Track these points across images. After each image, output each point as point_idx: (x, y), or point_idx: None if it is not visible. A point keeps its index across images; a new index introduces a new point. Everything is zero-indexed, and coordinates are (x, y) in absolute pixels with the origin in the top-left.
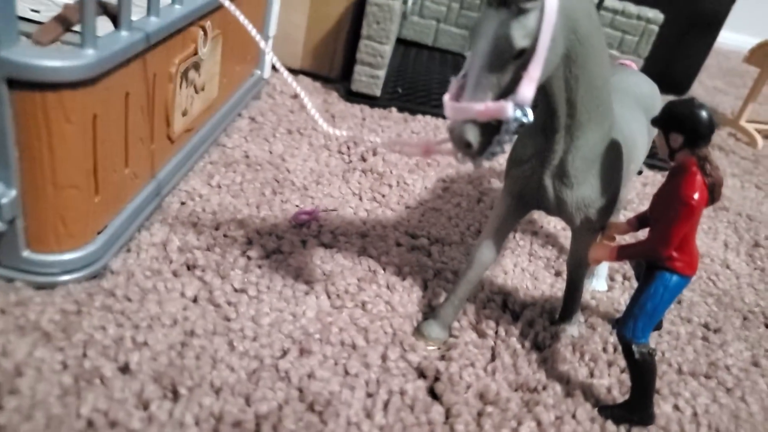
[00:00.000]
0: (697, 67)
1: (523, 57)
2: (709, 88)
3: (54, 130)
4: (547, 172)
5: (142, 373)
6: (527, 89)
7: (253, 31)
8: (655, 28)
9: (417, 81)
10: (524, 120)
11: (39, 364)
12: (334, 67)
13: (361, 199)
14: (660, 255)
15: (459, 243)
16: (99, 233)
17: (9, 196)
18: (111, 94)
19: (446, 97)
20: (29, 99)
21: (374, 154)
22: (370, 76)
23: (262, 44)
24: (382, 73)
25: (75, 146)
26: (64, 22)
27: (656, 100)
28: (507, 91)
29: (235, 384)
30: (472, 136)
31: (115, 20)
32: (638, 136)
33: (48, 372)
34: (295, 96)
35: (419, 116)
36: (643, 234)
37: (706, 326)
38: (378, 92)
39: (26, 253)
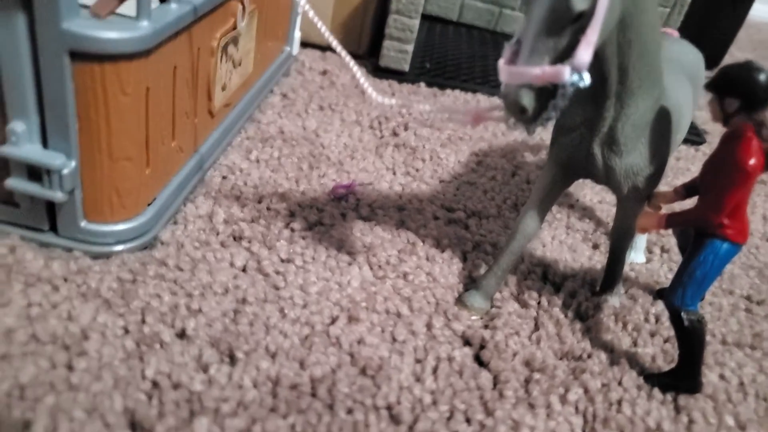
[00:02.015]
0: (729, 39)
1: (581, 20)
2: (741, 61)
3: (111, 101)
4: (596, 140)
5: (198, 338)
6: (585, 53)
7: (306, 4)
8: (688, 0)
9: (445, 56)
10: (581, 84)
11: (103, 329)
12: (362, 43)
13: (395, 173)
14: (711, 222)
15: (496, 216)
16: (149, 205)
17: (69, 167)
18: (161, 67)
19: (501, 62)
20: (89, 71)
21: (406, 129)
22: (398, 51)
23: (329, 37)
24: (410, 48)
25: (130, 118)
26: None
27: (701, 68)
28: (563, 56)
29: (290, 349)
30: (528, 100)
31: None
32: (684, 105)
33: (111, 336)
34: (325, 72)
35: (448, 90)
36: (688, 204)
37: (748, 298)
38: (406, 67)
39: (84, 224)
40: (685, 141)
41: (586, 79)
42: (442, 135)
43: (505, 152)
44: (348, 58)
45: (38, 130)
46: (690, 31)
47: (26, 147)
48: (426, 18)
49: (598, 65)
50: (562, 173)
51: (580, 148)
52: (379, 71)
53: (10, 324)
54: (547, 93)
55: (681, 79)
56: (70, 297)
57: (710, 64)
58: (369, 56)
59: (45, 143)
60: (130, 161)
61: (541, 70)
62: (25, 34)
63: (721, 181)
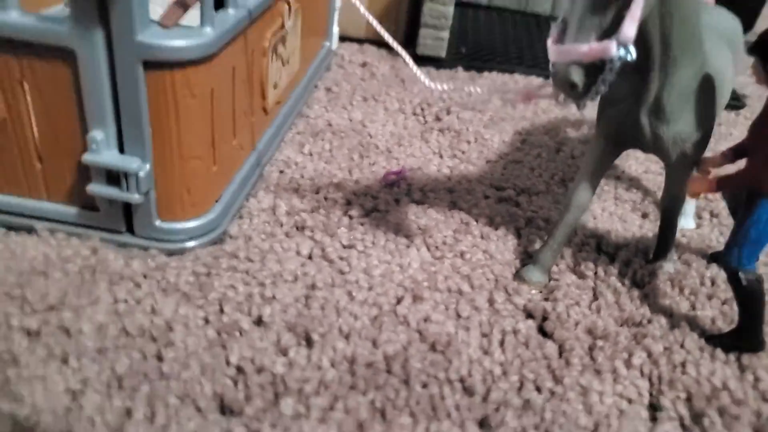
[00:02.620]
0: (761, 2)
1: None
2: None
3: (180, 105)
4: (643, 110)
5: (275, 324)
6: (630, 28)
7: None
8: None
9: (479, 40)
10: (628, 58)
11: (185, 321)
12: (398, 33)
13: (442, 156)
14: (762, 182)
15: (545, 192)
16: (216, 201)
17: (145, 169)
18: (223, 69)
19: (549, 42)
20: (160, 78)
21: (448, 113)
22: (435, 38)
23: (369, 18)
24: (446, 35)
25: (198, 119)
26: (183, 4)
27: (739, 34)
28: (609, 32)
29: (361, 329)
30: (577, 76)
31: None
32: (726, 71)
33: (194, 327)
34: (364, 64)
35: (486, 73)
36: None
37: None
38: (443, 54)
39: (158, 222)
40: (726, 106)
41: (633, 53)
42: (485, 117)
43: (548, 129)
44: (400, 49)
45: (115, 136)
46: None
47: (105, 153)
48: (458, 4)
49: (641, 37)
50: (611, 145)
51: (627, 119)
52: (417, 59)
53: (102, 320)
54: (595, 68)
55: (720, 45)
56: (151, 292)
57: (745, 28)
58: (406, 46)
59: (122, 148)
60: (199, 160)
61: (588, 47)
62: (103, 47)
63: None
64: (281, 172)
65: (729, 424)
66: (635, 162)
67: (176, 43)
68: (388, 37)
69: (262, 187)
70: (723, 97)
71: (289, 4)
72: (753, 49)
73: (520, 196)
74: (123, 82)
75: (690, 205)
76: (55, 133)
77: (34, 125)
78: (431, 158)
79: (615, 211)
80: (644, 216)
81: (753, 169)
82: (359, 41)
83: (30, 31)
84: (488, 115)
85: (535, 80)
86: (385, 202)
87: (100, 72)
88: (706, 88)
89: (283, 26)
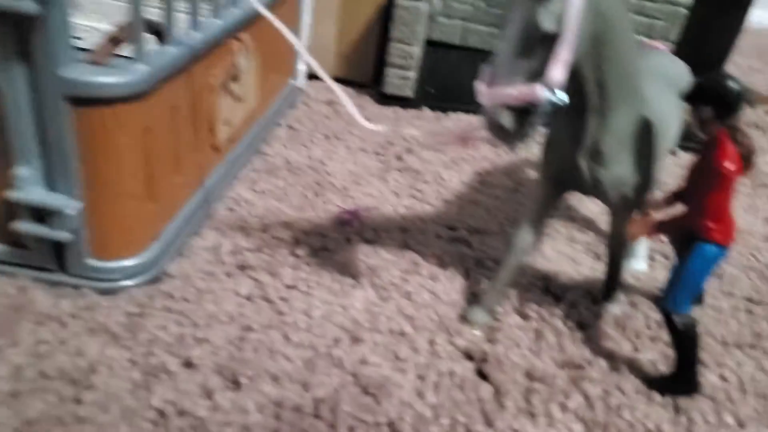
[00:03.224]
0: (729, 47)
1: (551, 39)
2: (744, 68)
3: (111, 142)
4: (582, 153)
5: (204, 366)
6: (557, 71)
7: (297, 43)
8: (684, 11)
9: (448, 80)
10: (557, 102)
11: (110, 362)
12: (365, 72)
13: (399, 196)
14: (697, 226)
15: (498, 233)
16: (155, 240)
17: (74, 207)
18: (160, 107)
19: (479, 83)
20: (87, 114)
21: (410, 152)
22: (401, 78)
23: (304, 54)
24: (412, 74)
25: (130, 157)
26: (115, 41)
27: (686, 79)
28: (538, 75)
29: (293, 372)
30: (506, 119)
31: (161, 36)
32: (669, 116)
33: (119, 369)
34: (330, 102)
35: (451, 114)
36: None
37: (749, 299)
38: (410, 93)
39: (91, 261)
40: (687, 149)
41: (564, 97)
42: (446, 157)
43: (508, 170)
44: (335, 86)
45: (42, 173)
46: (689, 41)
47: (31, 190)
48: (430, 44)
49: (576, 82)
50: (552, 187)
51: (567, 161)
52: (384, 98)
53: (19, 362)
54: (525, 111)
55: (665, 90)
56: (78, 333)
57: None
58: (374, 84)
59: (50, 186)
60: (133, 198)
61: (516, 90)
62: (25, 81)
63: (704, 186)
64: (230, 209)
65: None
66: (591, 203)
67: (104, 79)
68: (322, 73)
69: (208, 225)
70: (667, 141)
71: (241, 42)
72: (686, 96)
73: (473, 237)
74: (48, 118)
75: (642, 248)
76: None
77: None
78: (388, 197)
79: (567, 252)
80: (597, 257)
81: (689, 212)
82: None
83: None
84: (449, 156)
85: (465, 118)
86: (335, 241)
87: (21, 106)
88: (646, 132)
89: (234, 64)
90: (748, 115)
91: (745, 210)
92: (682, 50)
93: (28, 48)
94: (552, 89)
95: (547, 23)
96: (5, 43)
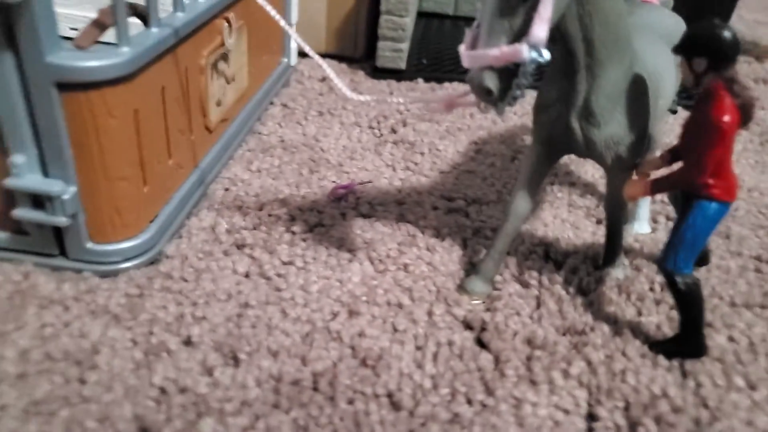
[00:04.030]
0: (733, 1)
1: None
2: (750, 22)
3: (100, 125)
4: (573, 114)
5: (203, 344)
6: (539, 29)
7: (277, 16)
8: None
9: (441, 51)
10: (540, 60)
11: (112, 343)
12: (357, 47)
13: (394, 169)
14: (695, 183)
15: (496, 202)
16: (151, 222)
17: (69, 192)
18: (148, 89)
19: (462, 48)
20: (76, 99)
21: (404, 125)
22: (393, 50)
23: (285, 27)
24: (405, 46)
25: (121, 140)
26: (100, 25)
27: (681, 32)
28: (521, 34)
29: (291, 347)
30: (491, 82)
31: (145, 20)
32: (664, 71)
33: (121, 349)
34: (323, 79)
35: (446, 84)
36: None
37: (758, 258)
38: (403, 65)
39: (89, 245)
40: (684, 106)
41: (545, 55)
42: (440, 127)
43: (504, 138)
44: (319, 59)
45: (37, 160)
46: None
47: (27, 177)
48: (423, 15)
49: (563, 40)
50: (545, 151)
51: (558, 123)
52: (377, 72)
53: (25, 345)
54: (510, 73)
55: (658, 44)
56: (80, 315)
57: None
58: (367, 59)
59: (45, 172)
60: (126, 181)
61: (499, 51)
62: (13, 70)
63: (700, 141)
64: (226, 189)
65: None
66: (591, 167)
67: (89, 63)
68: (307, 48)
69: (205, 205)
70: (662, 98)
71: (228, 21)
72: (677, 47)
73: (470, 207)
74: (38, 104)
75: (644, 210)
76: None
77: None
78: (383, 171)
79: (567, 218)
80: (598, 222)
81: (685, 170)
82: (320, 56)
83: None
84: (444, 126)
85: (460, 87)
86: (331, 216)
87: (12, 95)
88: (638, 88)
89: (223, 44)
90: (756, 71)
91: (752, 167)
92: (683, 5)
93: (14, 36)
94: (535, 47)
95: None
96: None
